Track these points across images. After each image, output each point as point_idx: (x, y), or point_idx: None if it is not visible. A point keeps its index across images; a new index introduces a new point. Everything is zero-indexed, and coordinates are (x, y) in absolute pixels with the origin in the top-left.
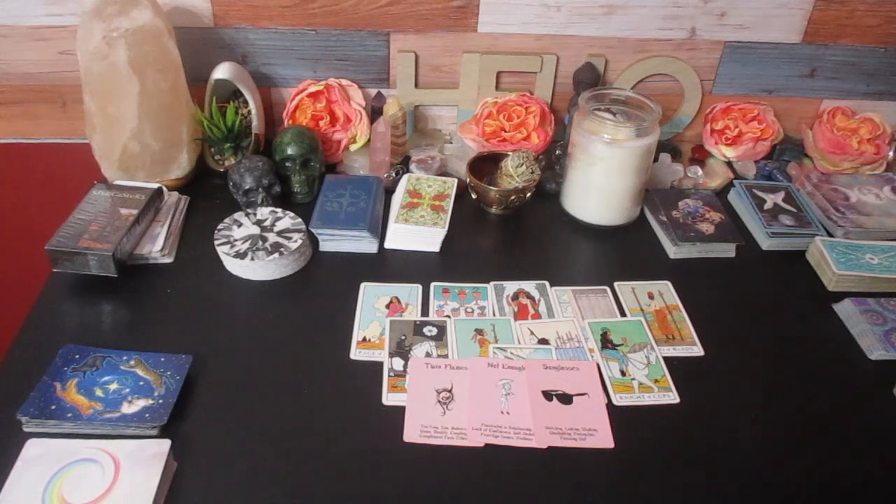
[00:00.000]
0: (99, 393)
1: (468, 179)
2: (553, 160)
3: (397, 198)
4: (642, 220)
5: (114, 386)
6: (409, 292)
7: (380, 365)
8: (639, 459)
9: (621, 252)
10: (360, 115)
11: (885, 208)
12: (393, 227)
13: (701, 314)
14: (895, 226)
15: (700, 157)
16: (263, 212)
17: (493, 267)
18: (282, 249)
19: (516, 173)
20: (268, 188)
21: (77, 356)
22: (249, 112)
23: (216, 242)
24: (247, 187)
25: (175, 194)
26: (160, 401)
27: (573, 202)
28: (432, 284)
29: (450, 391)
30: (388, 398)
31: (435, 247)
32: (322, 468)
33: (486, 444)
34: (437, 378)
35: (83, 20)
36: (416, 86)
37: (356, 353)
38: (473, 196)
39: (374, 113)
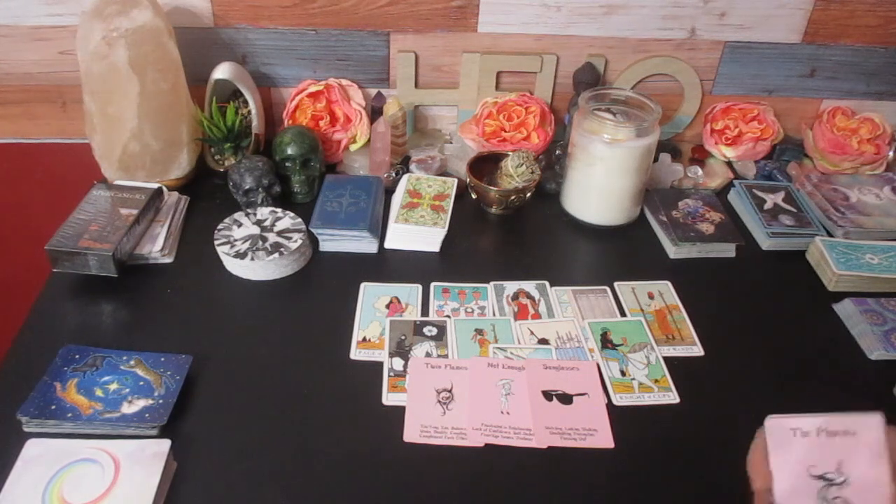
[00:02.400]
0: (99, 393)
1: (468, 179)
2: (553, 160)
3: (397, 198)
4: (642, 220)
5: (114, 386)
6: (409, 292)
7: (380, 365)
8: (639, 459)
9: (621, 252)
10: (360, 115)
11: (885, 208)
12: (393, 227)
13: (701, 314)
14: (895, 226)
15: (700, 157)
16: (263, 212)
17: (493, 267)
18: (282, 249)
19: (516, 173)
20: (268, 188)
21: (77, 356)
22: (249, 112)
23: (216, 242)
24: (247, 187)
25: (175, 194)
26: (160, 401)
27: (573, 202)
28: (432, 284)
29: (450, 391)
30: (388, 398)
31: (435, 247)
32: (322, 468)
33: (486, 444)
34: (437, 378)
35: (83, 20)
36: (416, 86)
37: (356, 353)
38: (473, 196)
39: (374, 113)
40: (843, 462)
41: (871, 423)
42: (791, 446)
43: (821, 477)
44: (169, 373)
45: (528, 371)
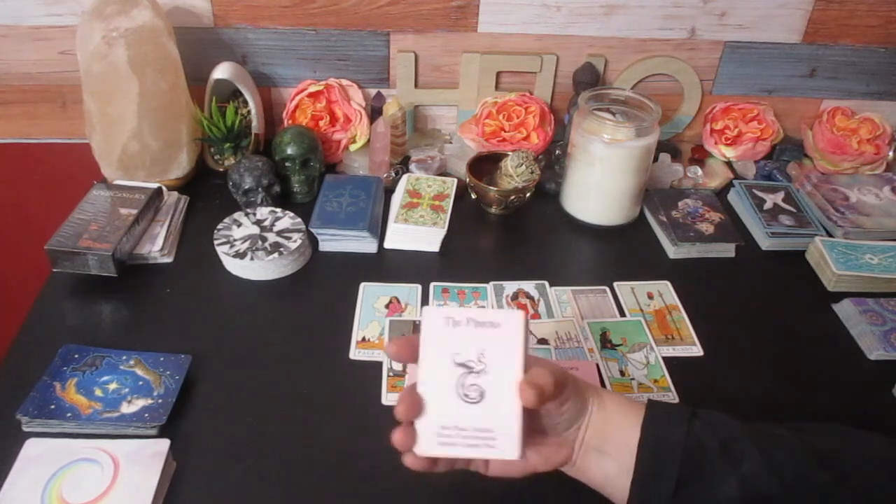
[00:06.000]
0: (98, 393)
1: (468, 179)
2: (553, 160)
3: (397, 198)
4: (642, 220)
5: (113, 386)
6: (409, 292)
7: (379, 365)
8: None
9: (621, 252)
10: (360, 115)
11: (884, 208)
12: (392, 227)
13: (700, 314)
14: (895, 226)
15: (700, 157)
16: (263, 212)
17: (492, 267)
18: (281, 249)
19: (516, 173)
20: (267, 188)
21: (77, 356)
22: (249, 112)
23: (216, 242)
24: (246, 187)
25: (175, 194)
26: (159, 400)
27: (573, 202)
28: (432, 284)
29: None
30: (388, 398)
31: (434, 247)
32: (321, 468)
33: None
34: None
35: (83, 20)
36: (416, 86)
37: (356, 353)
38: (473, 196)
39: (374, 113)
40: (484, 351)
41: (513, 318)
42: (442, 335)
43: (462, 364)
44: (168, 373)
45: None
